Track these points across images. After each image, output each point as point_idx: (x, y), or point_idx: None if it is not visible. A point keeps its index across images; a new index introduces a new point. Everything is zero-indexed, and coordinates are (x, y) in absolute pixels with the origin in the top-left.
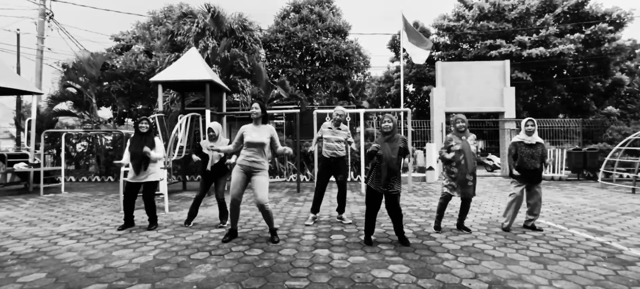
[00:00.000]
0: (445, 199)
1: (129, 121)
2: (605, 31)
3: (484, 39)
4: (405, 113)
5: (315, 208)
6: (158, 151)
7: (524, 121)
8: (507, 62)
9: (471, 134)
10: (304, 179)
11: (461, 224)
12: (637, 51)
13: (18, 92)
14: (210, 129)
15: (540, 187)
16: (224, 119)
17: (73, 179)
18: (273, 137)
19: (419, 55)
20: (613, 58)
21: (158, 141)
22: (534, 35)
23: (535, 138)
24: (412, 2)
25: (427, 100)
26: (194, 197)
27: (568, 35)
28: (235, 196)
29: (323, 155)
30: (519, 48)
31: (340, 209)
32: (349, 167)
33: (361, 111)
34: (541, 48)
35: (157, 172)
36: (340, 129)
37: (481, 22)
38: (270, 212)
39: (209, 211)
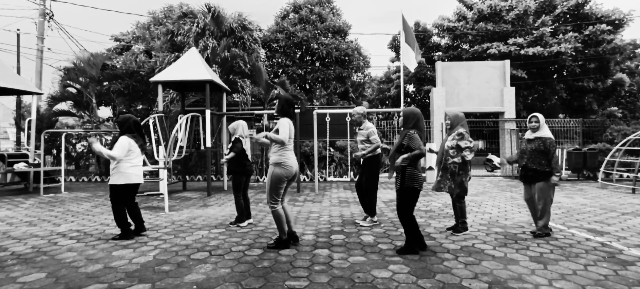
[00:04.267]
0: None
1: None
2: (603, 32)
3: (482, 42)
4: None
5: (364, 208)
6: (114, 148)
7: (528, 118)
8: (507, 62)
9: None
10: (304, 179)
11: (455, 226)
12: (637, 51)
13: (18, 92)
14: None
15: (541, 190)
16: (224, 119)
17: (73, 179)
18: (278, 128)
19: (411, 61)
20: (613, 58)
21: (123, 139)
22: (529, 36)
23: (537, 133)
24: (412, 2)
25: (427, 100)
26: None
27: (565, 35)
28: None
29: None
30: (518, 48)
31: (367, 209)
32: (349, 167)
33: None
34: (538, 47)
35: (119, 175)
36: (361, 129)
37: (480, 23)
38: (274, 216)
39: (209, 211)
